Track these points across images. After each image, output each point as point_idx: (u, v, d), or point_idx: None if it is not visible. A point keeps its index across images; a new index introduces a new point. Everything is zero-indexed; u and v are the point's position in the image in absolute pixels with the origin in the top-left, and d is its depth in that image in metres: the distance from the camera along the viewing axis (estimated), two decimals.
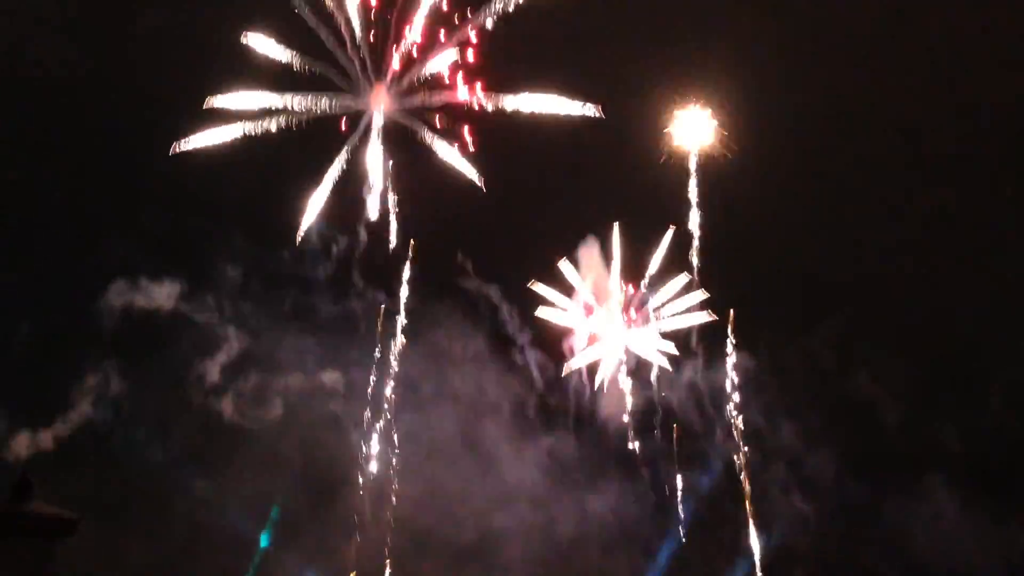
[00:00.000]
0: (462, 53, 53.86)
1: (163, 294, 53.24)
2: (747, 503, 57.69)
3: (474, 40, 53.77)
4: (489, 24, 53.09)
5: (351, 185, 53.91)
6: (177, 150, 52.22)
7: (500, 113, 54.30)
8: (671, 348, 58.53)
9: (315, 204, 53.72)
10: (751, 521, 57.54)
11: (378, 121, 53.72)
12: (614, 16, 57.50)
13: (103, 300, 52.62)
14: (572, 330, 58.30)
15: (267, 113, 52.02)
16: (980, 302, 58.81)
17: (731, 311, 58.21)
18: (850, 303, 58.17)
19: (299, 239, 53.90)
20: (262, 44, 52.49)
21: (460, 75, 54.05)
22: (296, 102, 51.97)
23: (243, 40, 52.13)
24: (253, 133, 51.77)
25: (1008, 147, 59.37)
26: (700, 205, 58.34)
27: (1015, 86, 57.57)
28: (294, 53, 52.27)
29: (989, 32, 59.38)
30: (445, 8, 53.92)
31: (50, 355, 52.28)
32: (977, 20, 59.13)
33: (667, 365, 58.31)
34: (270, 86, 52.54)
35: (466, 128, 54.26)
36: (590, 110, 53.99)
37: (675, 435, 58.86)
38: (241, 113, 52.07)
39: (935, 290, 58.19)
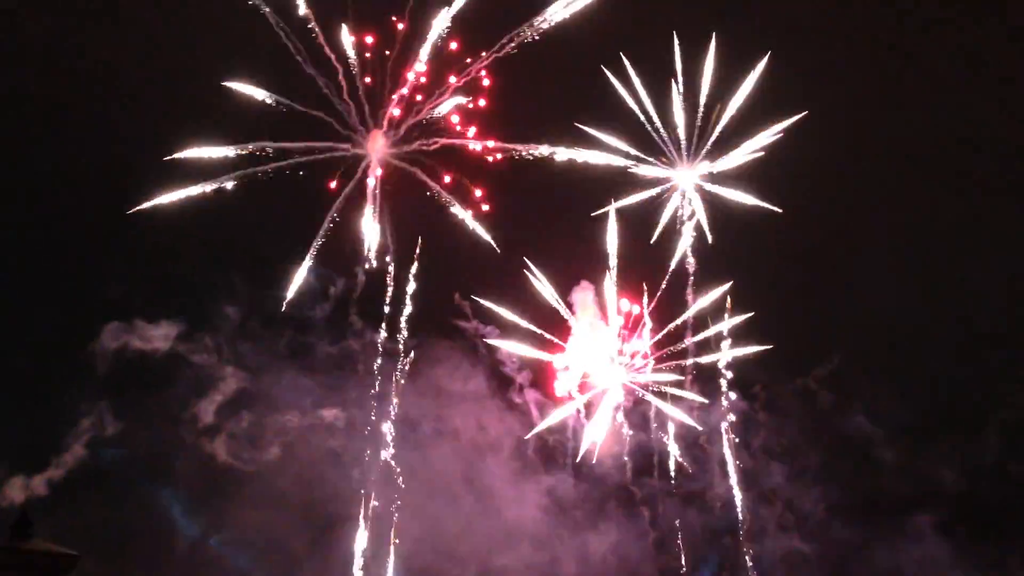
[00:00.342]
0: (473, 97, 54.93)
1: (161, 336, 54.24)
2: (742, 541, 58.16)
3: (486, 83, 54.90)
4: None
5: (349, 229, 55.08)
6: (142, 206, 53.32)
7: (507, 160, 55.53)
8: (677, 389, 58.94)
9: (313, 247, 54.71)
10: (747, 559, 57.96)
11: (375, 166, 54.72)
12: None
13: (100, 343, 53.46)
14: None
15: (262, 159, 53.42)
16: (978, 342, 59.10)
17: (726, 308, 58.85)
18: (847, 344, 58.59)
19: (298, 281, 54.91)
20: (250, 91, 53.57)
21: (466, 122, 55.34)
22: (294, 148, 53.05)
23: (229, 85, 53.42)
24: (246, 178, 52.99)
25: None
26: (695, 251, 59.13)
27: None
28: (289, 101, 53.57)
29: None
30: (455, 48, 55.03)
31: (46, 398, 53.28)
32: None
33: (693, 420, 58.73)
34: (266, 131, 53.72)
35: (479, 191, 55.43)
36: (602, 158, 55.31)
37: (673, 474, 59.08)
38: (237, 158, 53.34)
39: (932, 331, 58.50)
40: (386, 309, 56.44)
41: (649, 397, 58.56)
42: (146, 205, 53.51)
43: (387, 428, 56.40)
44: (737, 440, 58.46)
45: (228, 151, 53.16)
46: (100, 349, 53.22)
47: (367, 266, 55.45)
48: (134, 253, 53.67)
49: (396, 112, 54.86)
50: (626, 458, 59.13)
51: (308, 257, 54.44)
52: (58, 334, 53.37)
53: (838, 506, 57.68)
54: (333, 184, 54.40)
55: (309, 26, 53.66)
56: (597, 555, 58.78)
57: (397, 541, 55.70)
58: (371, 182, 54.47)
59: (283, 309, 55.01)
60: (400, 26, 54.54)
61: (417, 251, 56.60)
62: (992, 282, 59.36)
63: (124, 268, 53.08)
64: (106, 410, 52.99)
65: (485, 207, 55.64)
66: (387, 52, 54.48)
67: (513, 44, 53.98)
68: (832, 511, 57.68)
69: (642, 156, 57.94)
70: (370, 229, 55.23)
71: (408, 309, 56.63)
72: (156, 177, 53.30)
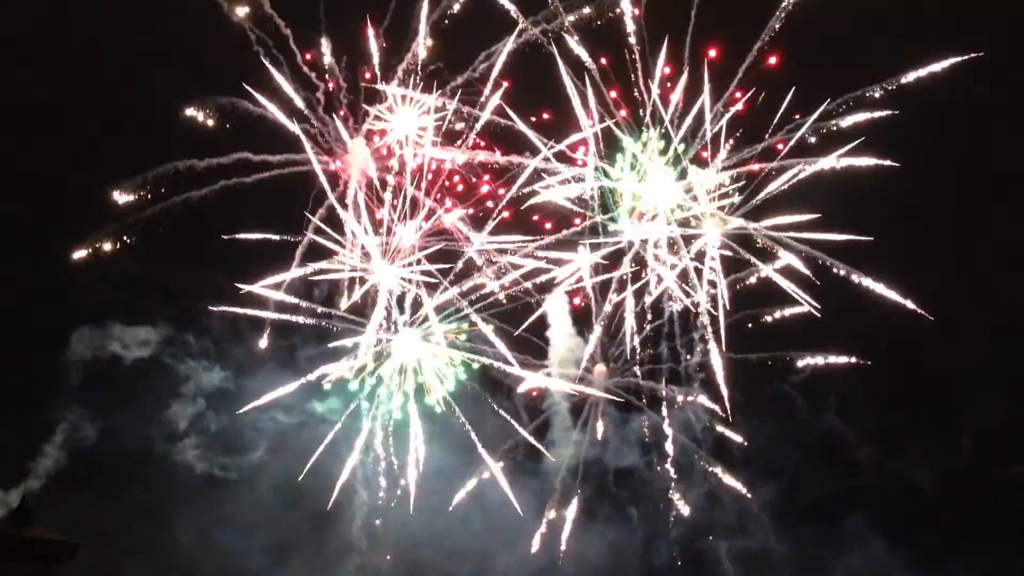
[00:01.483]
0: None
1: (144, 339, 56.45)
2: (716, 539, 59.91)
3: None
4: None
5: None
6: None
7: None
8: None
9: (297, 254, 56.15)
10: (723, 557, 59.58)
11: (356, 177, 56.52)
12: None
13: (77, 348, 55.27)
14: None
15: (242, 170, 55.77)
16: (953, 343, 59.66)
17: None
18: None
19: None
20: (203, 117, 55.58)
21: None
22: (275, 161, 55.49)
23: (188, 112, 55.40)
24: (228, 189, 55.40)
25: None
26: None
27: None
28: (270, 112, 55.89)
29: None
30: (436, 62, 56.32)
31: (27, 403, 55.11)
32: None
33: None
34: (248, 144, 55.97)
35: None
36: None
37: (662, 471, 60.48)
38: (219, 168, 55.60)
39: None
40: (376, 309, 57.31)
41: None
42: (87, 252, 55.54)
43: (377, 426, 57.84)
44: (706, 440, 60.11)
45: (210, 163, 55.27)
46: (78, 355, 55.14)
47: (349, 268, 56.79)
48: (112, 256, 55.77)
49: (376, 125, 56.58)
50: (609, 461, 60.73)
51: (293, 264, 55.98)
52: (35, 338, 55.39)
53: (808, 505, 59.42)
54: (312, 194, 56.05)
55: (286, 39, 55.88)
56: (589, 554, 60.17)
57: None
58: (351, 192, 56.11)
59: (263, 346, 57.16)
60: (380, 38, 56.29)
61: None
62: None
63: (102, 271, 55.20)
64: (87, 412, 54.90)
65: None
66: (366, 69, 56.36)
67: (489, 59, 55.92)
68: (802, 510, 59.46)
69: None
70: (352, 234, 56.47)
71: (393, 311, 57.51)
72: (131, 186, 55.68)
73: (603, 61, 55.83)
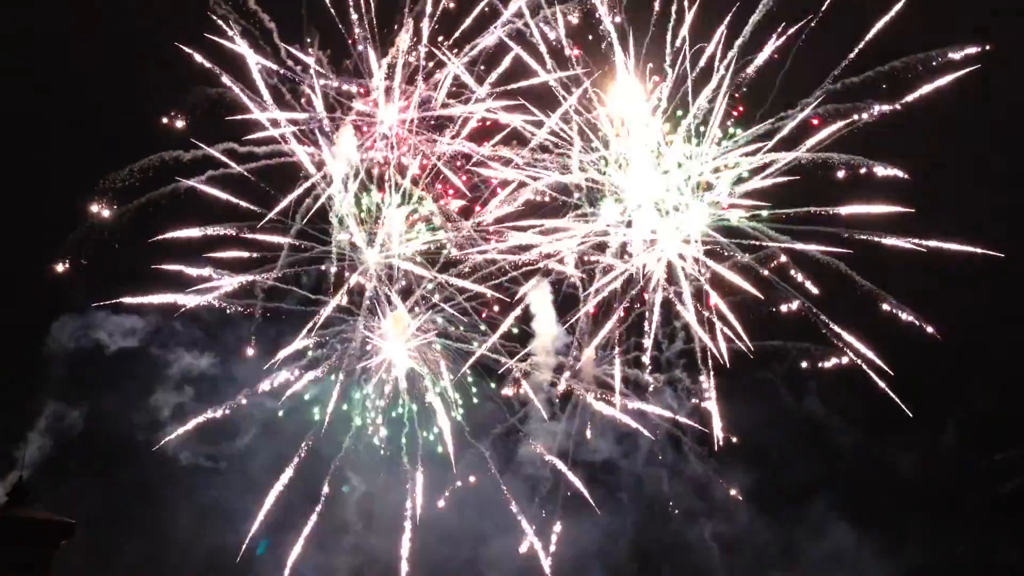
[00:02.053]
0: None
1: (130, 327, 57.61)
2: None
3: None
4: None
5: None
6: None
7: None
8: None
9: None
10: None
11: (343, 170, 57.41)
12: None
13: (60, 338, 56.50)
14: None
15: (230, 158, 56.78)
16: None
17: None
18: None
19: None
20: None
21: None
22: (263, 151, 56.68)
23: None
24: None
25: None
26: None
27: None
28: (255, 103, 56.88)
29: None
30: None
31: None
32: None
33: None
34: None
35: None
36: None
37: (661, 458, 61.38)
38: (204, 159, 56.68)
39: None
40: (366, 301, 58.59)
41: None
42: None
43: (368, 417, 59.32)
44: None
45: (195, 154, 56.18)
46: (58, 343, 56.30)
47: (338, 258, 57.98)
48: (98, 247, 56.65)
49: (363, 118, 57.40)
50: (596, 448, 61.47)
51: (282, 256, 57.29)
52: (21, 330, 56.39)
53: (791, 490, 60.32)
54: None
55: (270, 32, 56.84)
56: (580, 539, 61.04)
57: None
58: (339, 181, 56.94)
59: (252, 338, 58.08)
60: (366, 30, 57.23)
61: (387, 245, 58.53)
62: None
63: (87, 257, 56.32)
64: (74, 400, 55.78)
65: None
66: (351, 61, 57.31)
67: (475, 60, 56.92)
68: (785, 495, 60.40)
69: None
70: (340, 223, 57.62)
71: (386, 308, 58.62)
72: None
73: (577, 52, 56.92)
